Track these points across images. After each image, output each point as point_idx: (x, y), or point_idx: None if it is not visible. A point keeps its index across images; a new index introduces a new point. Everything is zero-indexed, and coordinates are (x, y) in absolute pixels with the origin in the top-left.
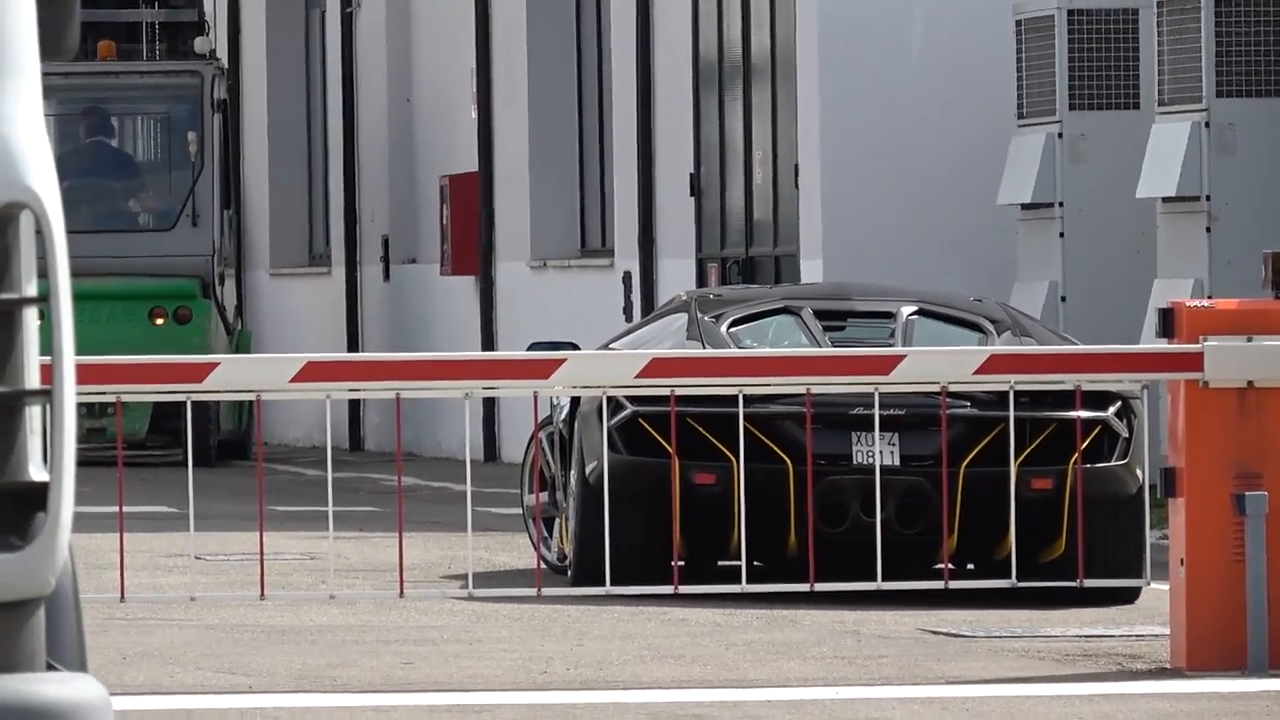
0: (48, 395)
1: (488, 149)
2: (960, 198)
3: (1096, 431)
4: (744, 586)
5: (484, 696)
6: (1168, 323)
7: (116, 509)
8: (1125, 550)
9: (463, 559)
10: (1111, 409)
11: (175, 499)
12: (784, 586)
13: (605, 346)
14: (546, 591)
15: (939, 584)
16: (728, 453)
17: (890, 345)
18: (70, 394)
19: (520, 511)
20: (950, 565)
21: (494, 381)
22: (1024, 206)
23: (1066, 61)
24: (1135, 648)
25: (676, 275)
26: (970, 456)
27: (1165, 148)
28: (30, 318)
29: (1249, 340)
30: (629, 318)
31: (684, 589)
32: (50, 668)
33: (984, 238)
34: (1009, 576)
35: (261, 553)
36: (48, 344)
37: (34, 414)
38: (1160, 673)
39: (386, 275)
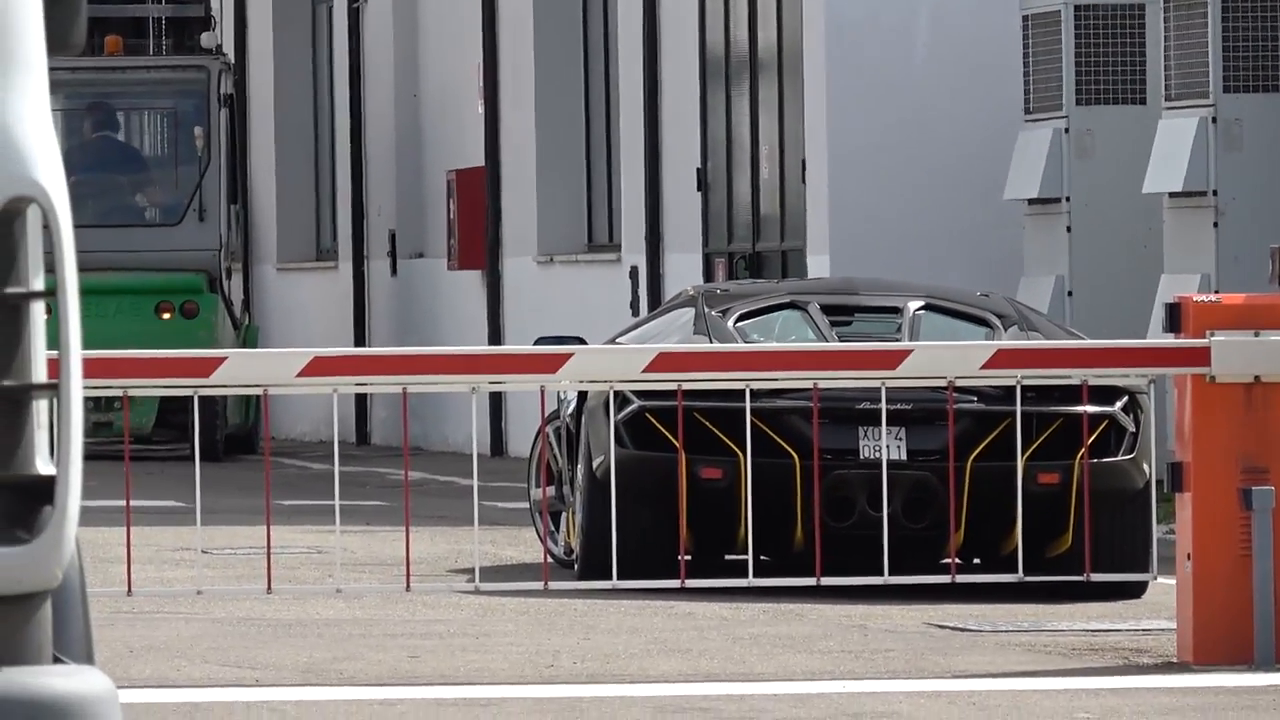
0: (55, 389)
1: (494, 144)
2: (967, 193)
3: (1103, 426)
4: (750, 581)
5: (491, 690)
6: (1174, 317)
7: (123, 503)
8: (1132, 545)
9: (469, 553)
10: (1118, 404)
11: (182, 493)
12: (790, 581)
13: (612, 341)
14: (553, 585)
15: (946, 578)
16: (734, 447)
17: (897, 340)
18: (77, 388)
19: (527, 506)
20: (957, 560)
21: (501, 376)
22: (1031, 201)
23: (1073, 56)
24: (1142, 642)
25: (683, 270)
26: (977, 451)
27: (1172, 143)
28: (38, 312)
29: (1256, 335)
30: (636, 312)
31: (690, 583)
32: (57, 661)
33: (991, 233)
34: (1015, 571)
35: (268, 547)
36: (55, 338)
37: (41, 408)
38: (1166, 667)
39: (393, 270)
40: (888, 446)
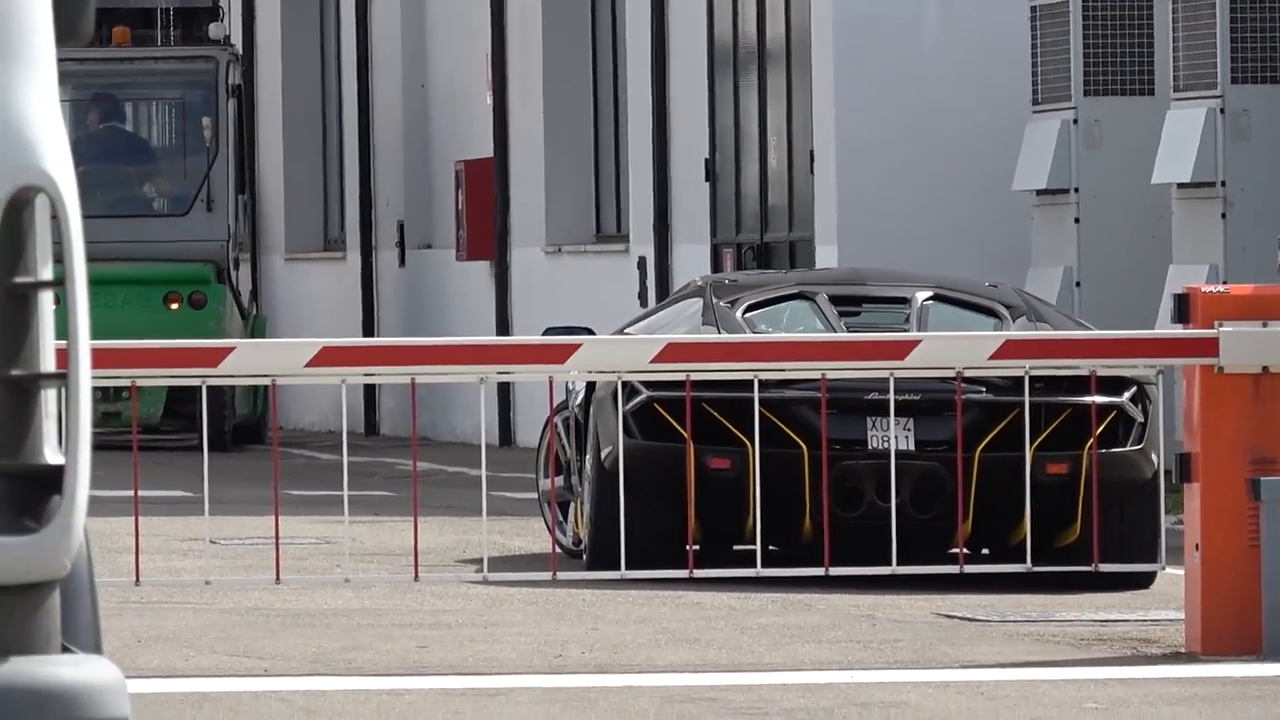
0: (63, 379)
1: (503, 134)
2: (975, 183)
3: (1112, 416)
4: (759, 571)
5: (499, 680)
6: (1183, 308)
7: (132, 493)
8: (1140, 535)
9: (478, 543)
10: (1126, 394)
11: (190, 483)
12: (799, 571)
13: (620, 332)
14: (561, 576)
15: (954, 568)
16: (743, 437)
17: (905, 330)
18: (86, 378)
19: (535, 496)
20: (965, 550)
21: (509, 366)
22: (1039, 192)
23: (1081, 47)
24: (1150, 632)
25: (691, 261)
26: (985, 441)
27: (1180, 134)
28: (46, 301)
29: (1264, 325)
30: (644, 303)
31: (699, 573)
32: (65, 650)
33: (999, 223)
34: (1024, 561)
35: (277, 537)
36: (63, 328)
37: (49, 397)
38: (1175, 657)
39: (402, 260)
40: (896, 437)
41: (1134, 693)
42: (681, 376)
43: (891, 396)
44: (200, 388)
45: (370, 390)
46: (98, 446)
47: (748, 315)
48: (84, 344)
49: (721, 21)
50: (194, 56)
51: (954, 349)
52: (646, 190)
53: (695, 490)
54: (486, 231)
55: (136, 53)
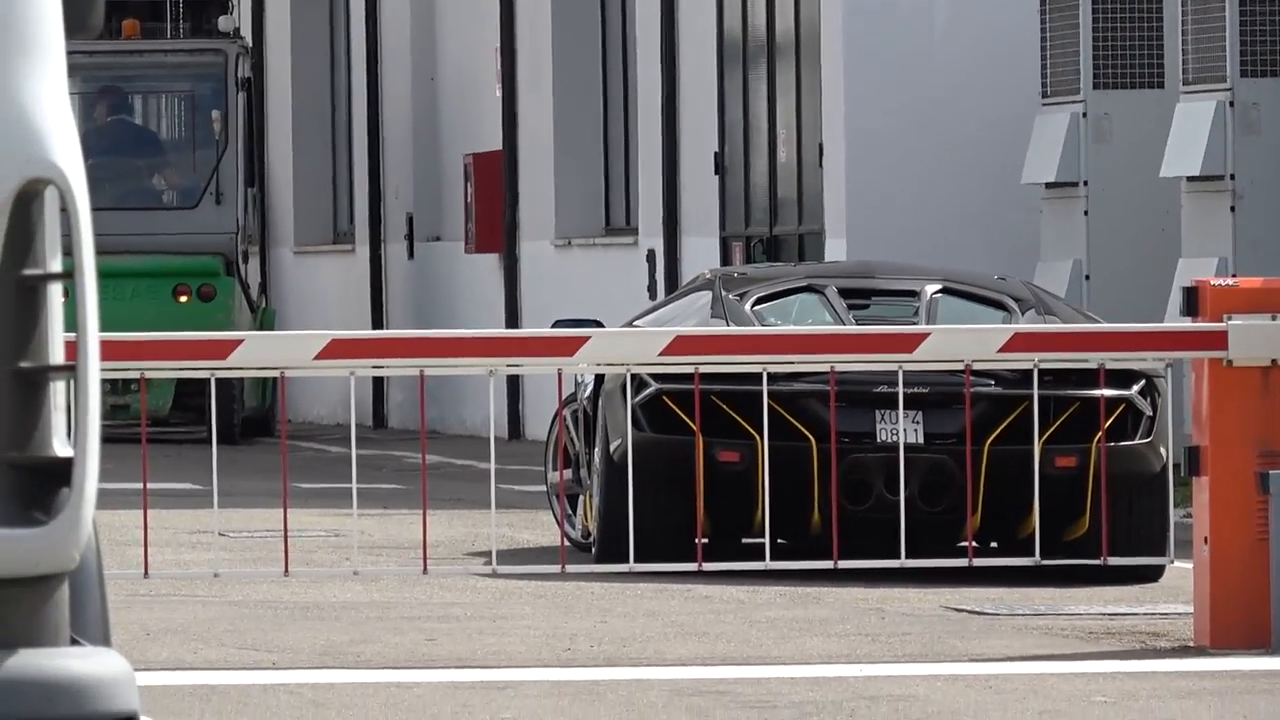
0: (72, 371)
1: (512, 127)
2: (984, 176)
3: (1120, 410)
4: (768, 564)
5: (508, 673)
6: (1192, 301)
7: (140, 485)
8: (1149, 528)
9: (486, 536)
10: (1135, 387)
11: (199, 476)
12: (808, 564)
13: (629, 324)
14: (570, 569)
15: (963, 562)
16: (752, 430)
17: (914, 323)
18: (95, 370)
19: (544, 489)
20: (974, 543)
21: (518, 359)
22: (1048, 185)
23: (1091, 40)
24: (1159, 626)
25: (700, 253)
26: (994, 435)
27: (1189, 127)
28: (55, 294)
29: (1273, 319)
30: (653, 296)
31: (708, 566)
32: (74, 642)
33: (1008, 216)
34: (1033, 554)
35: (285, 529)
36: (72, 320)
37: (58, 390)
38: (1183, 651)
39: (411, 253)
40: (905, 430)
41: (1143, 686)
42: (690, 369)
43: (900, 389)
44: (209, 380)
45: (379, 383)
46: (106, 439)
47: (756, 308)
48: (93, 336)
49: (731, 15)
50: (203, 49)
51: (963, 342)
52: (655, 183)
53: (704, 483)
54: (495, 224)
55: (146, 45)
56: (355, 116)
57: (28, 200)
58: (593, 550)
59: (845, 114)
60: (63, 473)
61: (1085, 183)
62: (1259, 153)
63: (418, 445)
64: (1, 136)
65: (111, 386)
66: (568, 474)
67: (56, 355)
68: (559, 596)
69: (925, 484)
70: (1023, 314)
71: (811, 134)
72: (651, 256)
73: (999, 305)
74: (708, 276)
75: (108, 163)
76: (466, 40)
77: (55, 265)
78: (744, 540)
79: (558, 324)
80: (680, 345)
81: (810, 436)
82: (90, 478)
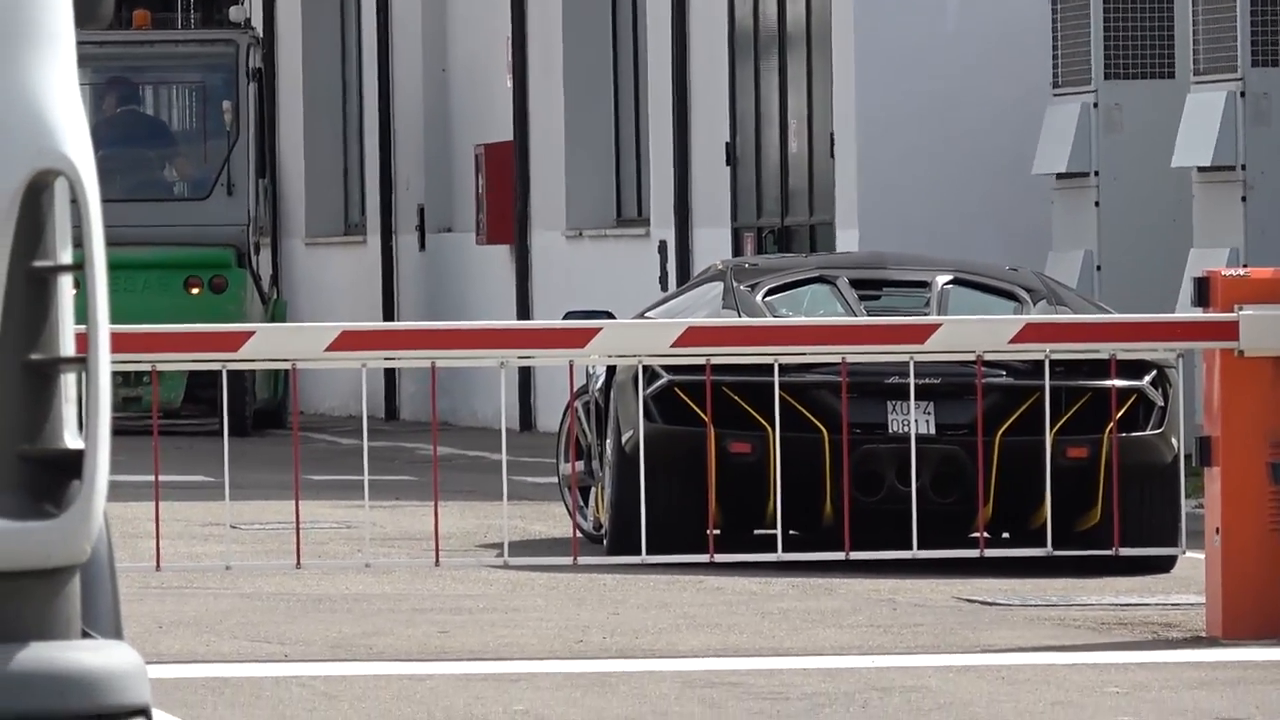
0: (83, 363)
1: (523, 118)
2: (995, 167)
3: (1132, 400)
4: (780, 555)
5: (520, 665)
6: (1203, 292)
7: (152, 478)
8: (1161, 519)
9: (498, 528)
10: (1147, 378)
11: (211, 468)
12: (820, 555)
13: (641, 315)
14: (582, 560)
15: (975, 552)
16: (763, 422)
17: (925, 314)
18: (105, 362)
19: (556, 480)
20: (986, 534)
21: (529, 350)
22: (1059, 176)
23: (1102, 31)
24: (1171, 616)
25: (712, 244)
26: (1006, 425)
27: (1200, 117)
28: (65, 285)
29: None
30: (664, 287)
31: (720, 558)
32: (85, 635)
33: (1019, 207)
34: (1044, 545)
35: (297, 521)
36: (83, 312)
37: (69, 382)
38: (1195, 641)
39: (422, 244)
40: (916, 421)
41: (1155, 677)
42: (702, 360)
43: (912, 380)
44: (221, 372)
45: (390, 375)
46: (118, 431)
47: (768, 299)
48: (104, 328)
49: (742, 5)
50: (214, 40)
51: (974, 333)
52: (667, 174)
53: (716, 474)
54: (507, 215)
55: (157, 36)
56: (366, 107)
57: (38, 192)
58: (605, 542)
59: (857, 105)
60: (74, 465)
61: (1096, 173)
62: (1270, 143)
63: (429, 437)
64: (11, 128)
65: (123, 379)
66: (579, 466)
67: (67, 347)
68: (571, 588)
69: (937, 475)
70: (1034, 305)
71: (823, 125)
72: (663, 247)
73: (1010, 296)
74: (719, 267)
75: (118, 154)
76: (478, 31)
77: (66, 257)
78: (756, 532)
79: (569, 315)
80: (692, 336)
81: (822, 428)
82: (101, 470)
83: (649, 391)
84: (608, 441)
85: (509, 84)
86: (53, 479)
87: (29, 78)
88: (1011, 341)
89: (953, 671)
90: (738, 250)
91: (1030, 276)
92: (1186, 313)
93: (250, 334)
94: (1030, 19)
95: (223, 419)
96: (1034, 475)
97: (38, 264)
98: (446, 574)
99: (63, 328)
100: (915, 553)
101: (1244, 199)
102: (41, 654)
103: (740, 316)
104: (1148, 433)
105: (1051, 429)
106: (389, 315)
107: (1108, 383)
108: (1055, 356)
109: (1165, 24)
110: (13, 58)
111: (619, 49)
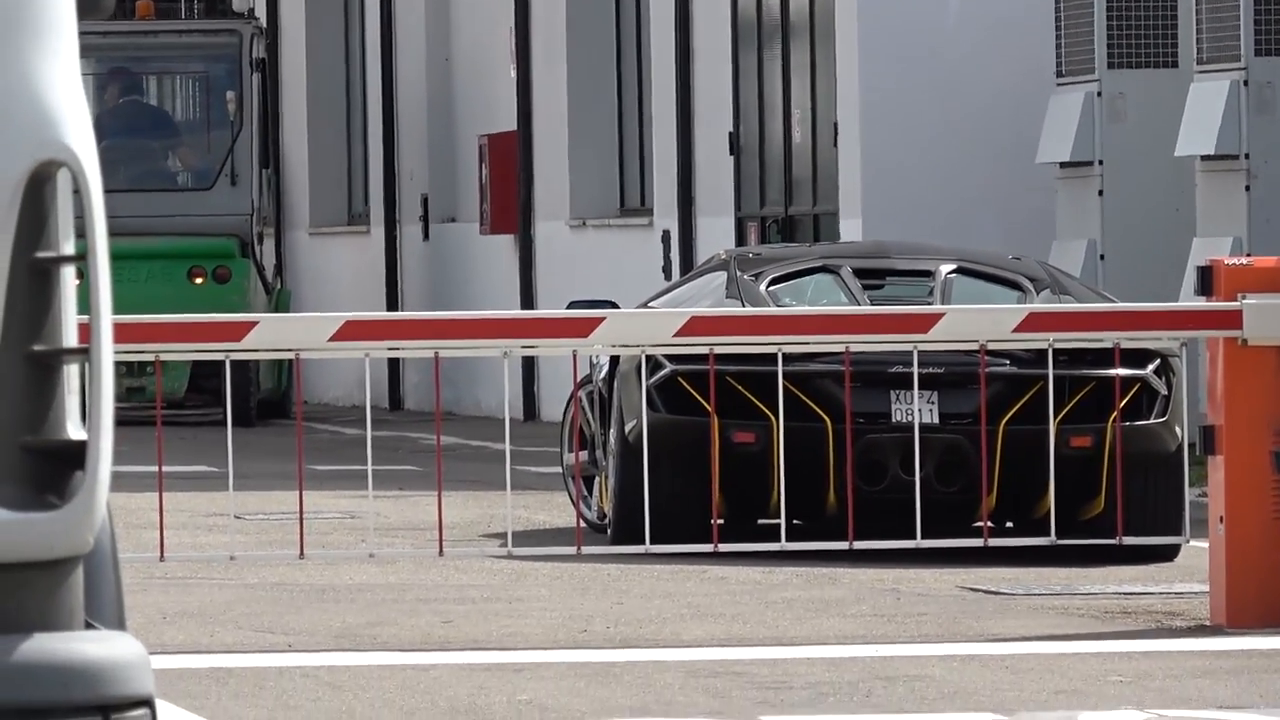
0: (86, 354)
1: (527, 108)
2: (999, 156)
3: (1135, 389)
4: (783, 545)
5: (524, 655)
6: (1206, 280)
7: (156, 468)
8: (1164, 508)
9: (502, 518)
10: (1150, 367)
11: (214, 458)
12: (823, 545)
13: (644, 305)
14: (586, 550)
15: (978, 542)
16: (767, 411)
17: (929, 303)
18: (108, 352)
19: (560, 470)
20: (989, 523)
21: (533, 340)
22: (1063, 165)
23: (1105, 20)
24: (1174, 605)
25: (715, 234)
26: (1009, 414)
27: (1204, 106)
28: (68, 276)
29: None
30: (668, 276)
31: (723, 547)
32: (89, 626)
33: (1023, 196)
34: (1048, 534)
35: (301, 512)
36: (86, 303)
37: (72, 372)
38: (1199, 630)
39: (426, 234)
40: (920, 410)
41: (1159, 665)
42: (705, 350)
43: (915, 370)
44: (224, 362)
45: (394, 365)
46: (121, 422)
47: (771, 289)
48: (106, 319)
49: None
50: (218, 30)
51: (978, 322)
52: (670, 163)
53: (719, 464)
54: (510, 205)
55: (160, 26)
56: (370, 97)
57: (40, 182)
58: (608, 531)
59: (860, 94)
60: (77, 456)
61: (1100, 162)
62: (1273, 132)
63: (433, 427)
64: (14, 118)
65: (126, 369)
66: (583, 455)
67: (70, 338)
68: (575, 578)
69: (940, 464)
70: (1037, 294)
71: (826, 114)
72: (666, 237)
73: (1014, 285)
74: (723, 257)
75: (121, 144)
76: (481, 20)
77: (68, 248)
78: (759, 521)
79: (573, 305)
80: (695, 326)
81: (825, 417)
82: (104, 461)
83: (652, 381)
84: (611, 431)
85: (513, 74)
86: (55, 470)
87: (31, 68)
88: (1015, 331)
89: (956, 660)
90: (741, 240)
91: (1034, 265)
92: (1190, 302)
93: (254, 324)
94: (1033, 8)
95: (226, 409)
96: (1037, 464)
97: (40, 255)
98: (450, 564)
99: (65, 319)
100: (919, 542)
101: (1247, 188)
102: (45, 645)
103: (744, 306)
104: (1151, 422)
105: (1055, 418)
106: (393, 305)
107: (1111, 372)
108: (1059, 345)
109: (1169, 13)
110: (15, 48)
111: (622, 38)
